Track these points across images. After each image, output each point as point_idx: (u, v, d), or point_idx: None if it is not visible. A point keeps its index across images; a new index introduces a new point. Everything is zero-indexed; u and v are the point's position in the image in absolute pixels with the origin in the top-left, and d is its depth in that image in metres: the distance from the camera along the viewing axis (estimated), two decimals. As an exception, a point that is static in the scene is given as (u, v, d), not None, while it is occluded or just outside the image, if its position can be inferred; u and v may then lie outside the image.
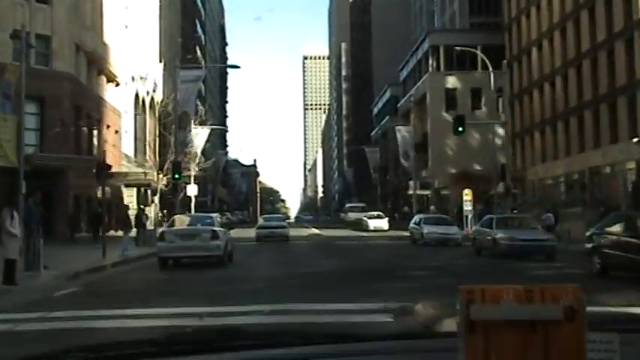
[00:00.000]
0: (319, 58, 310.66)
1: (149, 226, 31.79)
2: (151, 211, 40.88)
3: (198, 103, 76.85)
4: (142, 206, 35.83)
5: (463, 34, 59.46)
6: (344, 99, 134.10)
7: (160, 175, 37.43)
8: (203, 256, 18.76)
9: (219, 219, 22.70)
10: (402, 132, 54.93)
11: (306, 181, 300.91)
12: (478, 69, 57.07)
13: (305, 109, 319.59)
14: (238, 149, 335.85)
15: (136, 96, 48.33)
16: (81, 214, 36.48)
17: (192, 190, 45.50)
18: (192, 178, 46.30)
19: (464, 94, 57.00)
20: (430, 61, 58.93)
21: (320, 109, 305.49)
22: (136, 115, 46.52)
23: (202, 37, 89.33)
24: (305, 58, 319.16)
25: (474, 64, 56.98)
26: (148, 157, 45.04)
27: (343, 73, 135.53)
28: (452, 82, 57.89)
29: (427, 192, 54.90)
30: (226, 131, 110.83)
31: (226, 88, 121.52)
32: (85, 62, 37.32)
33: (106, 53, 40.23)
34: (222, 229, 20.12)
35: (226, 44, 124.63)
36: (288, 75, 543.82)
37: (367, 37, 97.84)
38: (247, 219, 74.43)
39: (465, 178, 50.04)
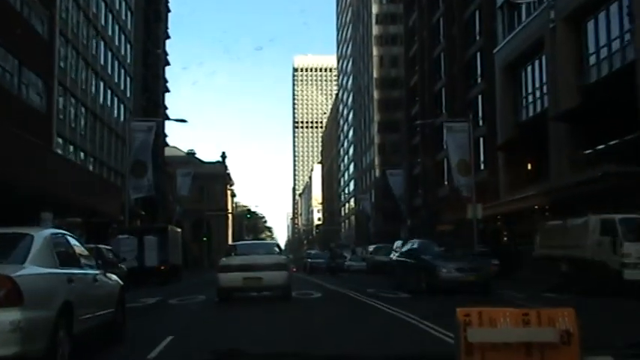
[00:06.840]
0: (311, 70, 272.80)
1: None
2: None
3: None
4: None
5: None
6: (373, 77, 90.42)
7: None
8: None
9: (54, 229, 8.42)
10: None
11: (295, 208, 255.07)
12: None
13: (295, 126, 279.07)
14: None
15: None
16: None
17: None
18: None
19: None
20: None
21: (312, 126, 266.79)
22: None
23: None
24: (295, 70, 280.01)
25: None
26: None
27: (374, 32, 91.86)
28: None
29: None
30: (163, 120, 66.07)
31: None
32: None
33: None
34: (49, 273, 6.62)
35: (168, 37, 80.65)
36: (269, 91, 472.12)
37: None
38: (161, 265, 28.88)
39: None
